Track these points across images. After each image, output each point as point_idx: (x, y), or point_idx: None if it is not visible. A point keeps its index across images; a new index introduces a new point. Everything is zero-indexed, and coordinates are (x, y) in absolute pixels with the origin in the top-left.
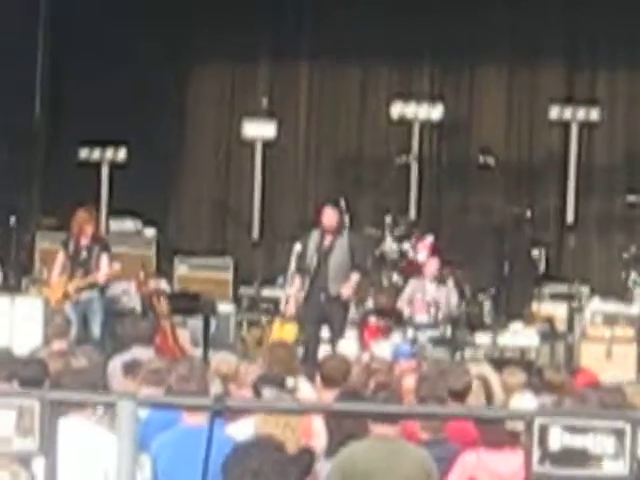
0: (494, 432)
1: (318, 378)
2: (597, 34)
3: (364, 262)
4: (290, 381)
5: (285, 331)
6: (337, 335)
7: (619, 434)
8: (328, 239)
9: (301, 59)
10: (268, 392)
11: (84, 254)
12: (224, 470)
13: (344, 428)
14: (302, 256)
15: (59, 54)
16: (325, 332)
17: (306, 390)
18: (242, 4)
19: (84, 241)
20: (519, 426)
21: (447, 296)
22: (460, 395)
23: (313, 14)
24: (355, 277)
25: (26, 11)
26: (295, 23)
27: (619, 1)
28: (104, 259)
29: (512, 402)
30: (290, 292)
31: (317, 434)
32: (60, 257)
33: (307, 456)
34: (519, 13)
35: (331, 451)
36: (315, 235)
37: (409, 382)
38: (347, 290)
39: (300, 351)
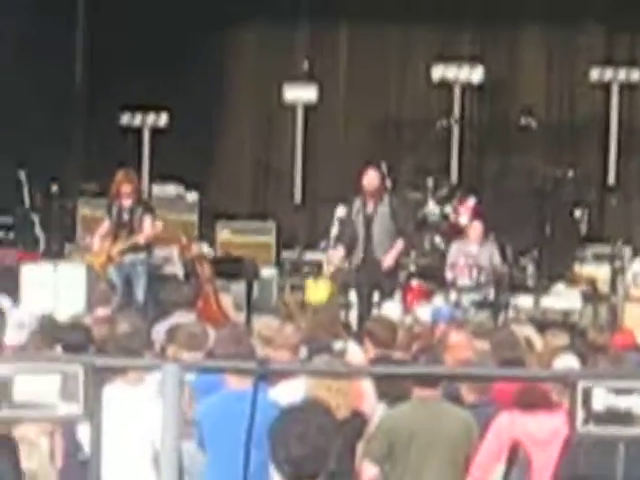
0: (530, 394)
1: (368, 341)
2: None
3: (407, 227)
4: (338, 344)
5: (319, 289)
6: (385, 297)
7: None
8: (370, 206)
9: (341, 22)
10: (310, 355)
11: (126, 216)
12: (270, 434)
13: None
14: (344, 224)
15: (100, 19)
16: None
17: (355, 353)
18: None
19: (126, 203)
20: (554, 387)
21: (490, 259)
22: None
23: None
24: (399, 245)
25: None
26: None
27: None
28: (147, 220)
29: (555, 364)
30: (332, 258)
31: (368, 397)
32: (104, 223)
33: (358, 420)
34: None
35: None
36: (357, 202)
37: (455, 338)
38: (389, 259)
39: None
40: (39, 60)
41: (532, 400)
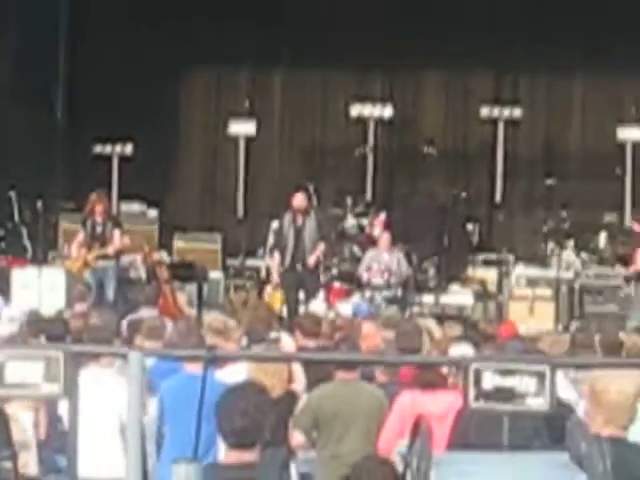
0: (428, 375)
1: (298, 332)
2: (519, 46)
3: (328, 234)
4: (273, 335)
5: (274, 298)
6: (311, 297)
7: (540, 376)
8: (300, 219)
9: (275, 69)
10: (250, 343)
11: (99, 230)
12: (216, 410)
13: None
14: (279, 234)
15: (77, 67)
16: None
17: (287, 342)
18: (228, 23)
19: (98, 219)
20: (447, 369)
21: (398, 263)
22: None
23: (288, 33)
24: (321, 247)
25: (49, 25)
26: (271, 39)
27: (537, 21)
28: (116, 233)
29: (451, 350)
30: (272, 265)
31: (298, 379)
32: (80, 235)
33: (290, 398)
34: (453, 27)
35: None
36: (287, 217)
37: (366, 328)
38: (313, 258)
39: (284, 310)
40: (27, 102)
41: (430, 380)
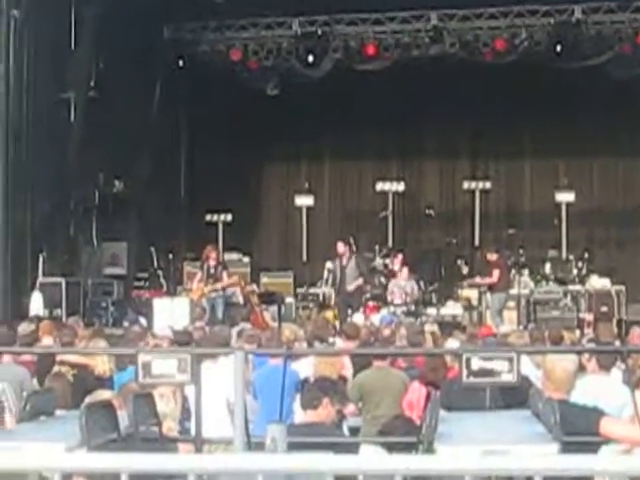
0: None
1: (344, 336)
2: (487, 140)
3: (364, 272)
4: (330, 338)
5: (329, 314)
6: (354, 312)
7: (509, 360)
8: (344, 261)
9: (325, 161)
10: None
11: (212, 271)
12: (301, 390)
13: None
14: (330, 272)
15: (194, 163)
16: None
17: (339, 343)
18: (287, 139)
19: (212, 264)
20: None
21: (411, 288)
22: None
23: (333, 139)
24: (359, 280)
25: (175, 139)
26: (320, 143)
27: (500, 123)
28: (224, 274)
29: (450, 344)
30: (327, 292)
31: (347, 368)
32: (198, 275)
33: (342, 381)
34: (444, 129)
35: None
36: (337, 260)
37: (386, 332)
38: (352, 287)
39: (336, 322)
40: (162, 189)
41: (432, 381)
